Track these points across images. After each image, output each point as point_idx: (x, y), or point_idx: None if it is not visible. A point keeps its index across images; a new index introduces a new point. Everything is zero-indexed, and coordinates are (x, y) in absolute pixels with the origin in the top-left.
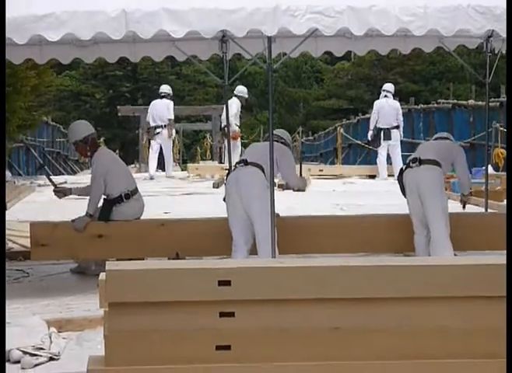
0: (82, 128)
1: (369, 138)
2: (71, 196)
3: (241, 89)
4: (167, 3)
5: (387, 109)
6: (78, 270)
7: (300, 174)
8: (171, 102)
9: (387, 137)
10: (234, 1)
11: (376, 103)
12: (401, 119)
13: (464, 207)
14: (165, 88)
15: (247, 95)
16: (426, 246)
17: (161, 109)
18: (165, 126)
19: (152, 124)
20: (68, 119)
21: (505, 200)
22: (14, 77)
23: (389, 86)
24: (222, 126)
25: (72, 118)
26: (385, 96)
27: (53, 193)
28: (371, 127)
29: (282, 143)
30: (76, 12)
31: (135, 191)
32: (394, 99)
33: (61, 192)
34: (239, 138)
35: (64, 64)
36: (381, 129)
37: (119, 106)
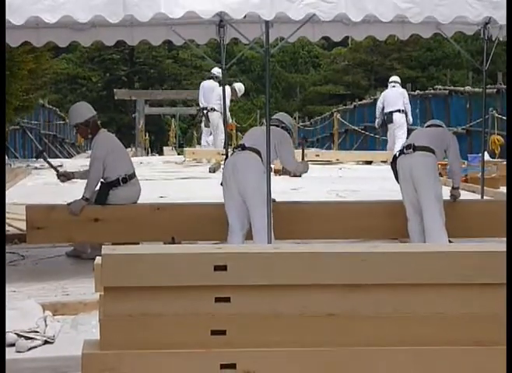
0: (84, 110)
1: (376, 126)
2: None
3: (217, 70)
4: None
5: (391, 94)
6: (74, 253)
7: (302, 158)
8: (216, 85)
9: (389, 120)
10: None
11: (383, 92)
12: (408, 103)
13: (454, 200)
14: (215, 71)
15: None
16: (421, 233)
17: (208, 92)
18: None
19: (201, 105)
20: (65, 102)
21: (501, 187)
22: (11, 61)
23: (395, 77)
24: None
25: (69, 101)
26: (393, 87)
27: (55, 177)
28: (377, 114)
29: (282, 127)
30: None
31: (133, 175)
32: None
33: (64, 176)
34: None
35: (62, 47)
36: (385, 113)
37: (116, 89)
